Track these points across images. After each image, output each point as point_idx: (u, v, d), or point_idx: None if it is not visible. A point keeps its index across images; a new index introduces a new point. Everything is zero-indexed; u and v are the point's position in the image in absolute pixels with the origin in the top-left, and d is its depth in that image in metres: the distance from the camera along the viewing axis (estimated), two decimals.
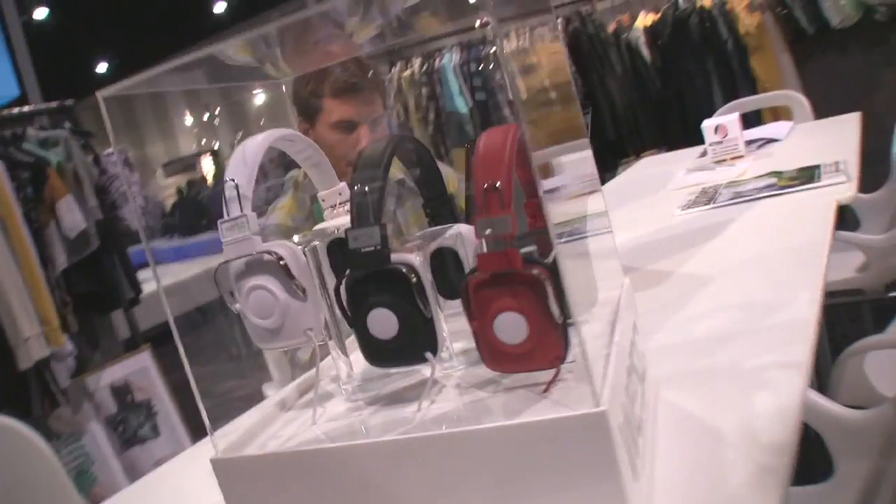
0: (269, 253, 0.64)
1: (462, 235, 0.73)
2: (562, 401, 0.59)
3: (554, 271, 0.58)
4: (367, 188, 0.62)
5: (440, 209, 0.78)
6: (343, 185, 0.82)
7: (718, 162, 2.16)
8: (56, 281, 2.59)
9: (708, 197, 1.77)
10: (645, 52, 4.24)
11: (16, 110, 2.78)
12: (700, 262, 1.32)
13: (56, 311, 2.50)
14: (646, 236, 1.60)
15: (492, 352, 0.60)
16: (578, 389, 0.60)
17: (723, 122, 2.19)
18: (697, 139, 2.29)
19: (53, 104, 2.83)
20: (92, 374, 2.82)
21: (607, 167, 3.97)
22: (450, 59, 4.32)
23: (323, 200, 0.81)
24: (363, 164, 0.64)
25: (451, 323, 0.73)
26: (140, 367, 3.05)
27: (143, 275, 3.07)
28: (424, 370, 0.68)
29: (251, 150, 0.68)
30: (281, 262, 0.64)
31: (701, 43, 4.14)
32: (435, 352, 0.62)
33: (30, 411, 2.51)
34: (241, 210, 0.65)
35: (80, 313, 2.75)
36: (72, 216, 2.60)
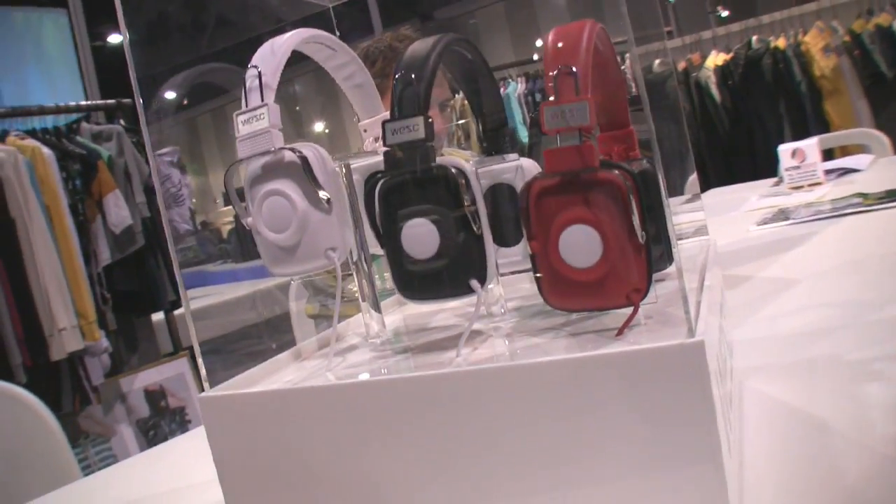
0: (292, 151, 0.54)
1: (524, 169, 0.61)
2: (640, 344, 0.46)
3: (640, 180, 0.46)
4: (412, 77, 0.51)
5: (500, 142, 0.66)
6: (388, 114, 0.71)
7: (795, 188, 2.01)
8: (97, 276, 2.54)
9: (785, 215, 1.63)
10: (715, 91, 4.11)
11: (73, 103, 2.77)
12: (783, 267, 1.18)
13: (94, 306, 2.43)
14: (719, 247, 1.46)
15: (554, 280, 0.48)
16: (661, 334, 0.47)
17: (800, 147, 2.04)
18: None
19: (112, 101, 2.81)
20: (126, 375, 2.75)
21: None
22: (514, 89, 4.24)
23: (364, 131, 0.70)
24: (408, 56, 0.53)
25: (507, 282, 0.61)
26: (176, 374, 2.97)
27: (192, 293, 3.00)
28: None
29: (280, 42, 0.57)
30: (302, 162, 0.53)
31: (773, 84, 3.99)
32: (483, 280, 0.50)
33: (60, 407, 2.44)
34: (263, 99, 0.54)
35: (120, 313, 2.69)
36: (118, 211, 2.55)
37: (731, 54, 4.10)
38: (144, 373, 2.82)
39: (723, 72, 4.09)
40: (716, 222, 1.81)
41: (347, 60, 0.67)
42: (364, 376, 0.52)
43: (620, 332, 0.47)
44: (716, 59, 4.14)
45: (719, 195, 2.51)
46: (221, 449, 0.53)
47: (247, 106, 0.54)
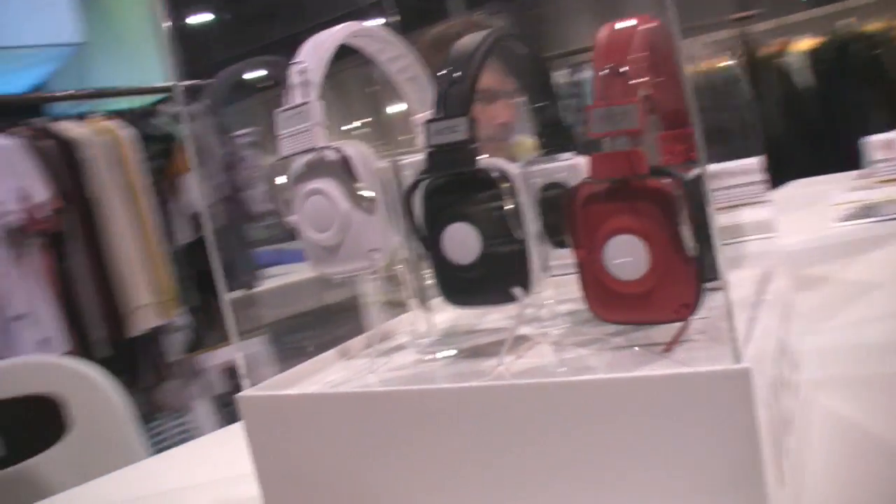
0: (334, 150, 0.52)
1: (578, 169, 0.58)
2: (686, 363, 0.43)
3: (693, 190, 0.43)
4: (457, 75, 0.49)
5: (556, 139, 0.64)
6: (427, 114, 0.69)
7: (885, 181, 1.90)
8: (177, 255, 2.60)
9: (870, 211, 1.54)
10: (800, 78, 3.94)
11: (154, 85, 2.84)
12: (866, 269, 1.12)
13: (173, 284, 2.50)
14: (796, 244, 1.40)
15: (600, 291, 0.46)
16: (711, 352, 0.44)
17: (893, 138, 1.93)
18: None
19: (192, 82, 2.87)
20: (204, 352, 2.82)
21: None
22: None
23: (417, 126, 0.69)
24: (455, 52, 0.51)
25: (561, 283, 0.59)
26: (253, 352, 3.03)
27: (271, 271, 3.06)
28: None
29: (325, 36, 0.56)
30: (344, 161, 0.52)
31: (862, 71, 3.80)
32: (526, 287, 0.48)
33: (138, 382, 2.52)
34: (306, 97, 0.53)
35: (199, 291, 2.75)
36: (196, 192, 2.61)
37: (818, 39, 3.92)
38: (222, 350, 2.89)
39: (809, 58, 3.92)
40: (795, 217, 1.73)
41: (400, 53, 0.65)
42: (392, 385, 0.51)
43: (668, 347, 0.44)
44: (802, 44, 3.97)
45: (800, 188, 2.41)
46: (259, 447, 0.53)
47: (289, 102, 0.53)
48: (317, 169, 0.53)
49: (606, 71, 0.44)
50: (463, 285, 0.49)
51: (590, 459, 0.40)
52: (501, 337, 0.58)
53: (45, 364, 1.21)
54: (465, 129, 0.47)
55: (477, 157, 0.48)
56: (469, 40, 0.52)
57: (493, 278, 0.48)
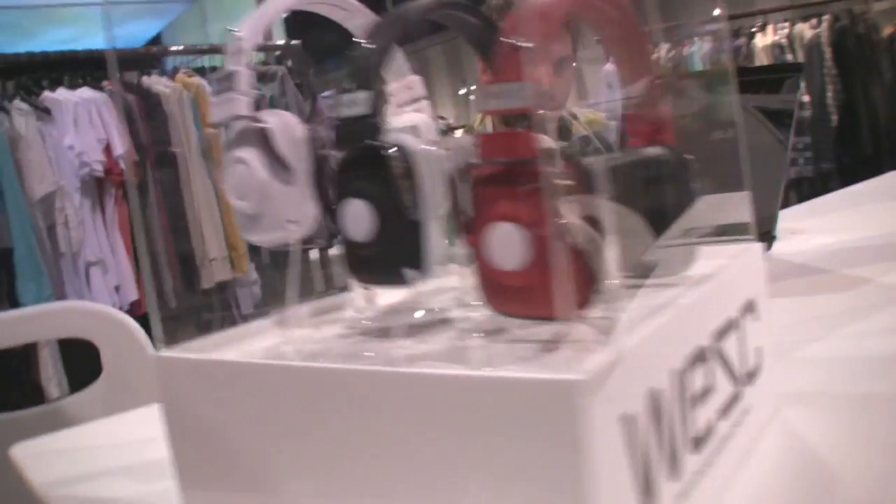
0: (253, 119, 0.52)
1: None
2: (558, 365, 0.41)
3: (588, 177, 0.41)
4: (366, 46, 0.47)
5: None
6: (415, 78, 0.67)
7: None
8: None
9: None
10: None
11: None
12: None
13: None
14: (858, 241, 1.31)
15: (487, 280, 0.44)
16: (582, 355, 0.41)
17: None
18: None
19: (279, 42, 2.92)
20: (273, 308, 2.90)
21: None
22: (698, 49, 3.99)
23: (391, 95, 0.68)
24: (377, 22, 0.50)
25: None
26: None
27: None
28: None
29: (264, 7, 0.56)
30: (263, 131, 0.51)
31: None
32: (419, 269, 0.47)
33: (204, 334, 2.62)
34: (237, 64, 0.53)
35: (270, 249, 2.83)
36: None
37: None
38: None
39: None
40: (878, 209, 1.62)
41: (365, 22, 0.64)
42: (277, 359, 0.50)
43: (553, 347, 0.42)
44: None
45: None
46: (170, 409, 0.54)
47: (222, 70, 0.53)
48: (241, 138, 0.53)
49: (503, 44, 0.42)
50: (360, 263, 0.48)
51: (410, 449, 0.39)
52: (434, 318, 0.56)
53: (86, 310, 1.27)
54: (365, 103, 0.46)
55: (379, 132, 0.46)
56: (396, 10, 0.50)
57: (385, 258, 0.47)
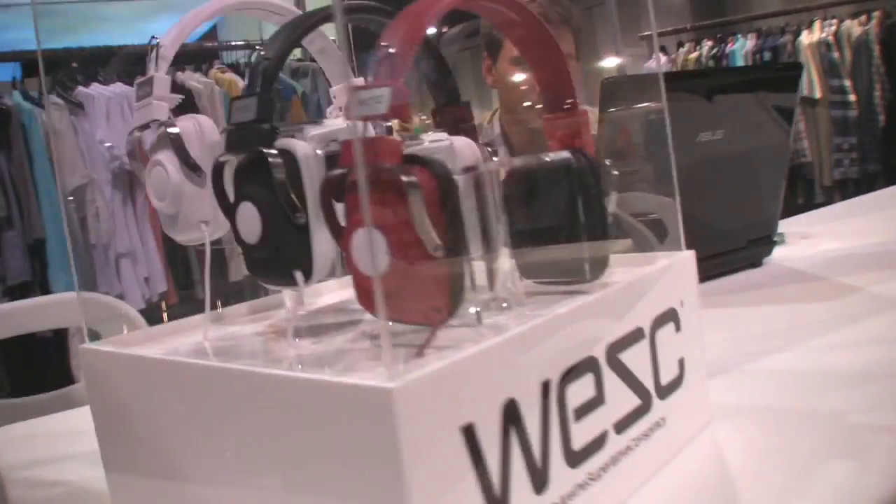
0: (167, 124, 0.53)
1: (455, 151, 0.56)
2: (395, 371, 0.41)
3: (446, 181, 0.41)
4: (262, 53, 0.48)
5: (451, 118, 0.61)
6: (358, 81, 0.68)
7: None
8: None
9: None
10: None
11: None
12: None
13: None
14: (863, 248, 1.27)
15: (357, 284, 0.44)
16: (429, 360, 0.42)
17: None
18: None
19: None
20: None
21: None
22: (742, 46, 3.90)
23: (334, 98, 0.68)
24: (277, 30, 0.51)
25: None
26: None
27: None
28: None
29: (195, 11, 0.57)
30: (174, 135, 0.53)
31: None
32: (308, 272, 0.47)
33: None
34: (156, 69, 0.54)
35: None
36: None
37: None
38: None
39: None
40: (893, 214, 1.57)
41: None
42: (175, 356, 0.51)
43: (420, 351, 0.42)
44: None
45: None
46: (92, 398, 0.56)
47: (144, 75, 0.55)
48: (160, 142, 0.55)
49: (374, 51, 0.42)
50: (254, 264, 0.49)
51: (261, 445, 0.41)
52: (351, 319, 0.57)
53: (91, 300, 1.32)
54: (254, 109, 0.47)
55: (269, 138, 0.47)
56: (297, 18, 0.51)
57: (275, 260, 0.48)
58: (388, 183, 0.40)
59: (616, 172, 0.55)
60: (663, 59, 3.95)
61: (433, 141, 0.57)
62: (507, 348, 0.39)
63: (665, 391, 0.54)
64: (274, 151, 0.46)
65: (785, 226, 1.57)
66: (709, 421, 0.60)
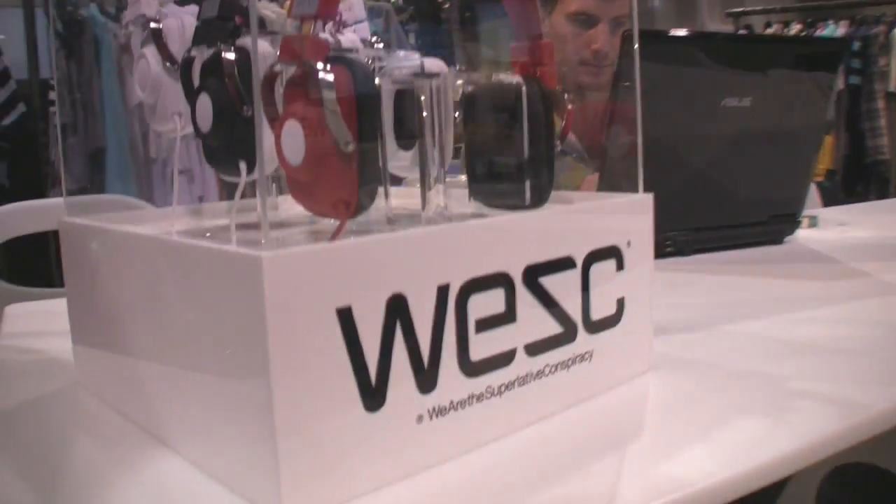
0: (152, 20, 0.56)
1: (427, 70, 0.58)
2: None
3: (362, 79, 0.43)
4: None
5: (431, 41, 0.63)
6: (357, 1, 0.70)
7: None
8: None
9: None
10: None
11: None
12: None
13: None
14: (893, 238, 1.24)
15: (287, 172, 0.47)
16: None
17: None
18: None
19: None
20: None
21: None
22: (831, 32, 3.74)
23: None
24: None
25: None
26: None
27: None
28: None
29: None
30: (154, 30, 0.56)
31: None
32: (251, 162, 0.50)
33: None
34: None
35: None
36: None
37: None
38: None
39: None
40: None
41: None
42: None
43: (332, 239, 0.45)
44: None
45: None
46: (67, 269, 0.60)
47: None
48: (147, 36, 0.58)
49: None
50: (207, 153, 0.52)
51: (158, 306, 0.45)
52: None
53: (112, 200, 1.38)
54: (216, 7, 0.49)
55: (230, 34, 0.50)
56: None
57: (223, 148, 0.50)
58: (307, 78, 0.42)
59: (570, 106, 0.55)
60: None
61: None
62: (398, 244, 0.42)
63: (595, 326, 0.55)
64: (232, 47, 0.48)
65: (829, 212, 1.54)
66: (647, 369, 0.61)
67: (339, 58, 0.43)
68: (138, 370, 0.51)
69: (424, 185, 0.50)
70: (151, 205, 2.35)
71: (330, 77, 0.41)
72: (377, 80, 0.52)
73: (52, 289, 1.36)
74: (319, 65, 0.42)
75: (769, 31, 3.91)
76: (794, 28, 3.79)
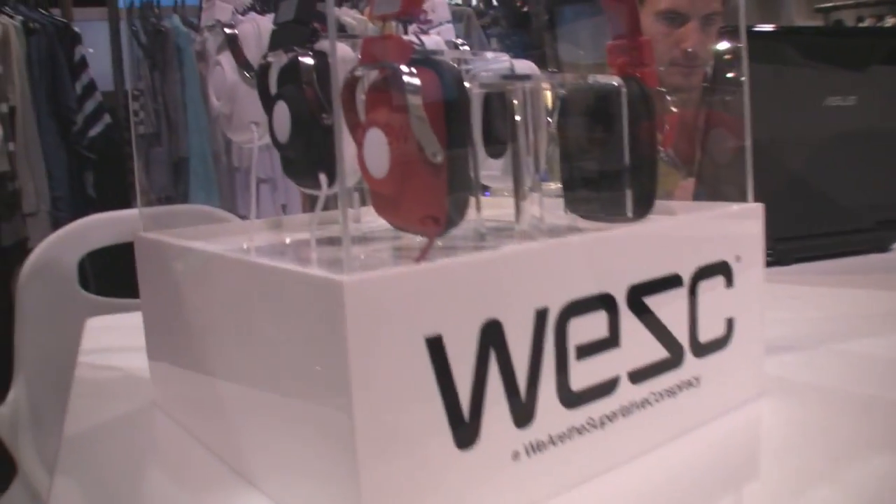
0: (227, 26, 0.54)
1: (517, 71, 0.54)
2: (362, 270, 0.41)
3: (452, 84, 0.39)
4: None
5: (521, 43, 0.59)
6: (440, 1, 0.66)
7: None
8: None
9: None
10: None
11: None
12: None
13: None
14: None
15: (369, 184, 0.43)
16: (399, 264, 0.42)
17: None
18: None
19: None
20: None
21: None
22: None
23: None
24: None
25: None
26: None
27: None
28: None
29: None
30: (231, 37, 0.53)
31: None
32: (331, 175, 0.47)
33: None
34: None
35: None
36: None
37: None
38: None
39: None
40: None
41: None
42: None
43: (417, 260, 0.41)
44: None
45: None
46: (143, 281, 0.59)
47: None
48: (223, 43, 0.56)
49: None
50: (286, 165, 0.49)
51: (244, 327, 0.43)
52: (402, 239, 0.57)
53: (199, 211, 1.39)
54: (293, 10, 0.46)
55: (307, 38, 0.47)
56: None
57: (301, 160, 0.47)
58: (391, 82, 0.39)
59: (674, 108, 0.50)
60: None
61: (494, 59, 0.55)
62: (492, 265, 0.38)
63: (703, 349, 0.50)
64: (312, 53, 0.45)
65: None
66: (759, 393, 0.55)
67: (424, 60, 0.40)
68: (216, 393, 0.49)
69: (519, 195, 0.46)
70: (233, 213, 2.39)
71: (415, 80, 0.38)
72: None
73: (135, 299, 1.37)
74: (403, 67, 0.38)
75: (861, 25, 3.73)
76: (889, 22, 3.60)
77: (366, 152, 0.41)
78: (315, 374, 0.36)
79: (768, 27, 0.96)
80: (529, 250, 0.39)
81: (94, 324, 0.90)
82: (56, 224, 2.27)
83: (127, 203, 2.52)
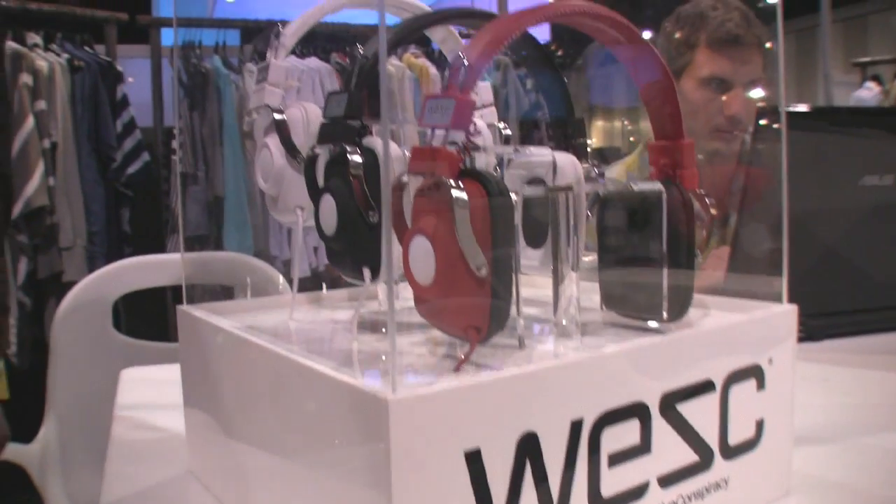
0: (276, 110, 0.56)
1: (559, 168, 0.55)
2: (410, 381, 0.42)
3: (498, 199, 0.40)
4: (366, 51, 0.49)
5: (562, 133, 0.60)
6: (484, 85, 0.68)
7: None
8: None
9: None
10: None
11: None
12: None
13: None
14: None
15: (413, 288, 0.44)
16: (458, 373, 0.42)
17: None
18: None
19: None
20: None
21: None
22: None
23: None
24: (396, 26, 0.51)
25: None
26: None
27: None
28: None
29: (320, 6, 0.59)
30: (279, 121, 0.55)
31: None
32: (374, 270, 0.48)
33: None
34: (275, 57, 0.57)
35: None
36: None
37: None
38: None
39: None
40: None
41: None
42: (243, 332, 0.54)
43: (457, 368, 0.42)
44: None
45: None
46: (183, 354, 0.60)
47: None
48: (270, 126, 0.57)
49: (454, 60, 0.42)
50: (330, 255, 0.51)
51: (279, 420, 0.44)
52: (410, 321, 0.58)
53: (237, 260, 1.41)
54: (344, 105, 0.48)
55: (355, 134, 0.48)
56: (408, 20, 0.52)
57: (347, 253, 0.49)
58: (438, 194, 0.40)
59: (714, 211, 0.51)
60: (875, 89, 3.64)
61: (536, 154, 0.56)
62: (531, 381, 0.38)
63: (732, 452, 0.51)
64: (357, 149, 0.47)
65: None
66: (785, 492, 0.55)
67: (471, 171, 0.41)
68: (250, 473, 0.50)
69: (557, 293, 0.47)
70: (266, 253, 2.42)
71: (464, 195, 0.39)
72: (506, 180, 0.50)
73: (166, 343, 1.39)
74: (451, 182, 0.40)
75: None
76: None
77: (411, 257, 0.42)
78: (353, 475, 0.37)
79: (804, 108, 0.96)
80: (568, 366, 0.40)
81: (130, 375, 0.92)
82: (91, 258, 2.31)
83: (160, 239, 2.56)
